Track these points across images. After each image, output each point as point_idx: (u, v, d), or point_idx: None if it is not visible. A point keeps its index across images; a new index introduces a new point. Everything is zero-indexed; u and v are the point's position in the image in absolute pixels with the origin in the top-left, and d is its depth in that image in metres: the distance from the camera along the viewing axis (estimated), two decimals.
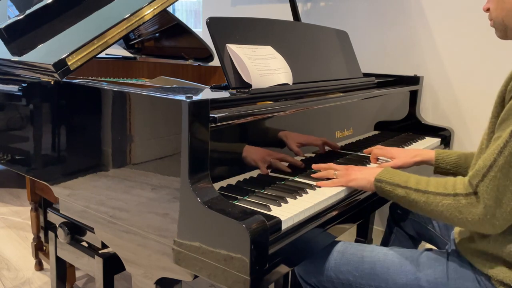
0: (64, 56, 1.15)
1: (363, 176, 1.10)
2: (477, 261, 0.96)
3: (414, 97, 1.91)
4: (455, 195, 0.91)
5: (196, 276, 0.97)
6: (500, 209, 0.86)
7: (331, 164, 1.20)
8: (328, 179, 1.16)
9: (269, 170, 1.14)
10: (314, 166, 1.21)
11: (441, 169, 1.30)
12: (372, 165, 1.35)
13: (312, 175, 1.18)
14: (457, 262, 1.00)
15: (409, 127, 1.91)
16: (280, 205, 0.98)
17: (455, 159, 1.28)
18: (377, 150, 1.36)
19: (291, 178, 1.17)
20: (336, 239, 1.12)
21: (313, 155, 1.29)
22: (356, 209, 1.16)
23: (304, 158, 1.25)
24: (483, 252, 0.96)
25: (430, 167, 1.34)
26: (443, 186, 0.94)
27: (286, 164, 1.18)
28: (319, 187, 1.11)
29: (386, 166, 1.12)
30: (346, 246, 1.11)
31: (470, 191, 0.89)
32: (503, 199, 0.86)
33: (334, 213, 1.06)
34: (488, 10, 1.01)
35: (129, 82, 1.71)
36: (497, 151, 0.86)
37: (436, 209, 0.94)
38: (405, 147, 1.63)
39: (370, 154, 1.38)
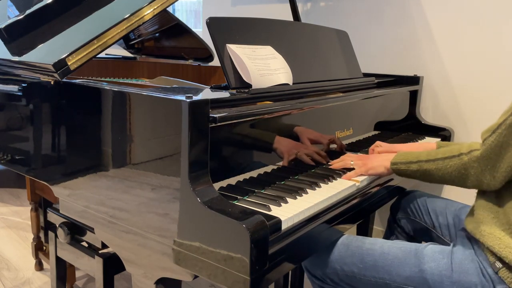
0: (64, 56, 1.15)
1: (379, 163, 1.20)
2: (490, 239, 0.97)
3: (414, 97, 1.91)
4: (459, 155, 1.03)
5: (196, 276, 0.97)
6: (501, 163, 0.96)
7: (344, 156, 1.30)
8: (347, 169, 1.26)
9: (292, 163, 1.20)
10: (332, 162, 1.30)
11: None
12: None
13: (330, 167, 1.28)
14: (461, 255, 1.01)
15: (409, 127, 1.91)
16: (280, 205, 0.98)
17: None
18: (380, 148, 1.40)
19: (291, 177, 1.17)
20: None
21: None
22: (356, 209, 1.16)
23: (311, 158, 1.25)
24: (498, 227, 0.97)
25: None
26: (450, 151, 1.06)
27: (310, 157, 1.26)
28: (319, 186, 1.12)
29: (399, 151, 1.23)
30: (351, 239, 1.12)
31: (472, 149, 1.00)
32: (505, 155, 0.95)
33: (334, 213, 1.06)
34: None
35: (129, 82, 1.71)
36: (509, 112, 0.94)
37: (446, 172, 1.06)
38: None
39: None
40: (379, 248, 1.08)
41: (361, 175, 1.23)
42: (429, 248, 1.05)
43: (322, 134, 1.32)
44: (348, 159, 1.27)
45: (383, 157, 1.22)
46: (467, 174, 1.01)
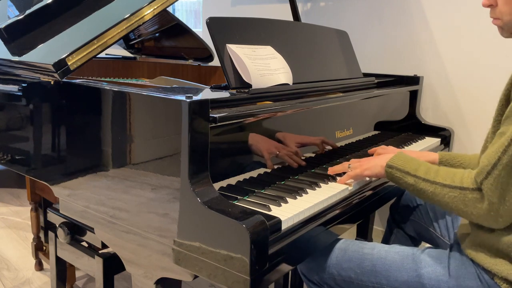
0: (64, 56, 1.15)
1: (375, 163, 1.13)
2: (481, 259, 0.97)
3: (414, 97, 1.91)
4: (461, 189, 0.93)
5: (196, 276, 0.97)
6: (503, 206, 0.88)
7: (344, 163, 1.22)
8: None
9: (274, 165, 1.15)
10: (330, 170, 1.21)
11: None
12: None
13: (328, 172, 1.21)
14: (458, 260, 1.01)
15: (409, 127, 1.91)
16: (280, 205, 0.98)
17: (459, 161, 1.27)
18: (381, 149, 1.35)
19: (291, 177, 1.17)
20: (337, 237, 1.13)
21: (313, 155, 1.29)
22: (356, 209, 1.16)
23: (304, 158, 1.25)
24: (488, 249, 0.96)
25: None
26: (451, 178, 0.96)
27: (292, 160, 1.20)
28: (319, 187, 1.11)
29: (399, 151, 1.14)
30: (348, 244, 1.11)
31: (477, 187, 0.91)
32: (506, 197, 0.88)
33: (334, 213, 1.06)
34: (490, 6, 0.98)
35: (129, 82, 1.71)
36: (501, 149, 0.87)
37: (442, 200, 0.97)
38: (405, 147, 1.63)
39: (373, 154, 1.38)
40: (377, 253, 1.07)
41: (357, 177, 1.16)
42: (426, 253, 1.05)
43: (308, 137, 1.30)
44: (347, 163, 1.21)
45: (381, 157, 1.15)
46: (467, 211, 0.93)
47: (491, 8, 0.98)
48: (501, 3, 0.95)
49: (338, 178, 1.18)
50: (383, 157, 1.14)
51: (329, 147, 1.35)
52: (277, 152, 1.16)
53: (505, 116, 0.91)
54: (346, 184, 1.16)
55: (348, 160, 1.38)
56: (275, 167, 1.15)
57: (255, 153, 1.10)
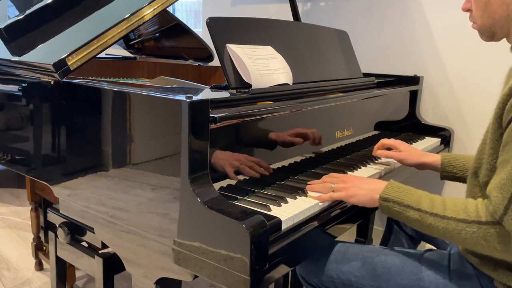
0: (64, 56, 1.15)
1: (365, 192, 1.03)
2: (480, 263, 0.96)
3: (414, 97, 1.91)
4: (479, 223, 0.85)
5: (196, 276, 0.97)
6: None
7: (325, 177, 1.12)
8: None
9: (238, 176, 1.04)
10: (308, 187, 1.09)
11: (448, 173, 1.26)
12: (370, 168, 1.35)
13: (307, 187, 1.09)
14: (459, 263, 1.00)
15: (409, 127, 1.91)
16: (280, 205, 0.98)
17: (462, 162, 1.24)
18: (387, 141, 1.34)
19: (291, 177, 1.17)
20: (337, 239, 1.12)
21: (313, 155, 1.29)
22: (356, 209, 1.15)
23: (304, 158, 1.25)
24: (487, 255, 0.95)
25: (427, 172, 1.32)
26: (464, 211, 0.88)
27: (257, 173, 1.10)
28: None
29: (390, 181, 1.03)
30: (347, 247, 1.11)
31: (496, 221, 0.84)
32: None
33: (334, 213, 1.06)
34: (468, 10, 1.00)
35: (129, 82, 1.71)
36: None
37: (457, 236, 0.88)
38: None
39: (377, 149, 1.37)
40: (377, 256, 1.06)
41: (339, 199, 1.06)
42: (426, 256, 1.04)
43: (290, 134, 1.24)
44: (329, 181, 1.09)
45: (371, 184, 1.04)
46: (489, 247, 0.85)
47: (470, 13, 1.00)
48: (474, 8, 0.97)
49: (321, 196, 1.05)
50: (374, 187, 1.02)
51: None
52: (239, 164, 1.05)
53: (504, 142, 0.87)
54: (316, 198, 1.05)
55: (348, 160, 1.38)
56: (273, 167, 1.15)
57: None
